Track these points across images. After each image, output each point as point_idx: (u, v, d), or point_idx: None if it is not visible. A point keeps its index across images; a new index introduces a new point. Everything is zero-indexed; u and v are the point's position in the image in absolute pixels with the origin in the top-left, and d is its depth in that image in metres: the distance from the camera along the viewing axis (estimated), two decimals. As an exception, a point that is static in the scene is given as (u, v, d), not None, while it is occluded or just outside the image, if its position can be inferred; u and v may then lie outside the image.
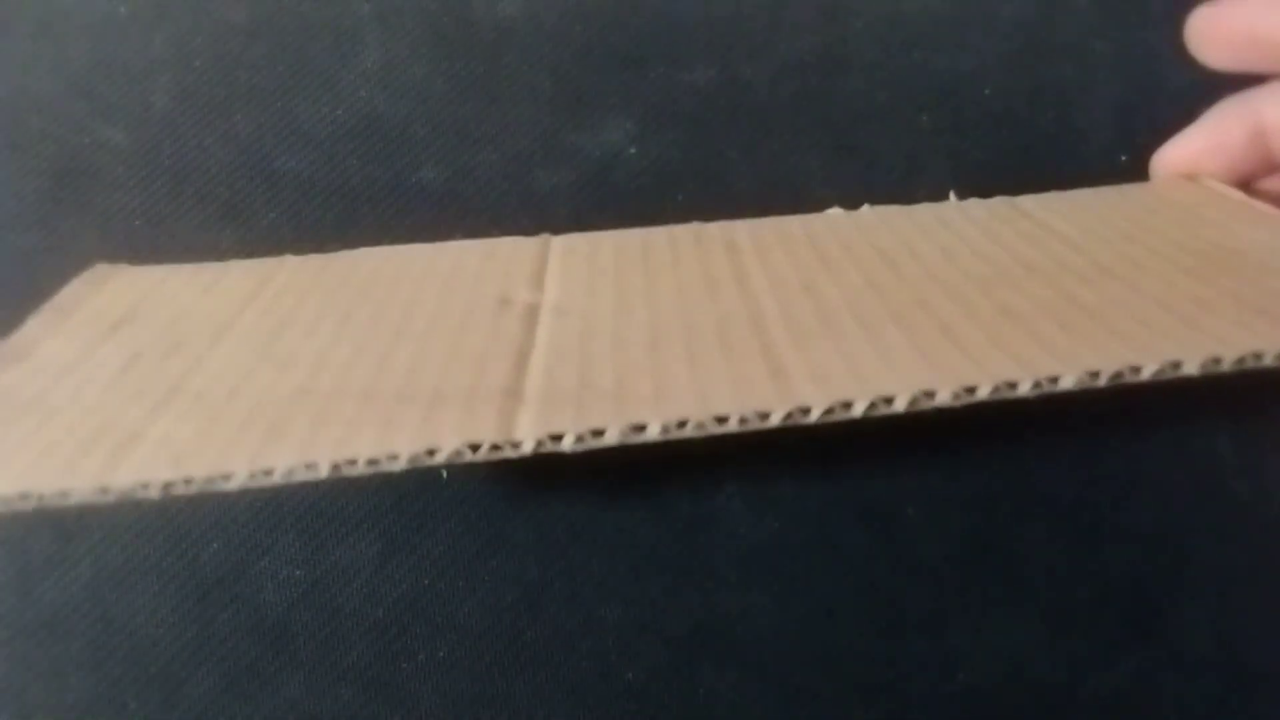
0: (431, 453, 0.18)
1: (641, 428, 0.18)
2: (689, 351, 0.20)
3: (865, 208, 0.28)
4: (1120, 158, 0.30)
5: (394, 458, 0.18)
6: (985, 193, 0.29)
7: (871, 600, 0.28)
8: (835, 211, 0.28)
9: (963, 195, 0.29)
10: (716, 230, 0.26)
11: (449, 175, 0.29)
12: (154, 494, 0.18)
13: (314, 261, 0.27)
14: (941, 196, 0.29)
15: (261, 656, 0.27)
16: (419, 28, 0.30)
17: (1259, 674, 0.28)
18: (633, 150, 0.30)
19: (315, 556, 0.27)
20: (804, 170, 0.30)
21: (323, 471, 0.18)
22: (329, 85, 0.30)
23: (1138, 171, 0.28)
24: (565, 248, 0.26)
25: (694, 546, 0.28)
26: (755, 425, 0.18)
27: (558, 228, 0.29)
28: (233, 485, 0.18)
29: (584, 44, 0.30)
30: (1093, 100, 0.30)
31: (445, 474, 0.28)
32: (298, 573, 0.27)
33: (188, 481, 0.18)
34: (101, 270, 0.26)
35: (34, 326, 0.23)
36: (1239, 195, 0.25)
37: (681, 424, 0.18)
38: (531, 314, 0.22)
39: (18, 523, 0.27)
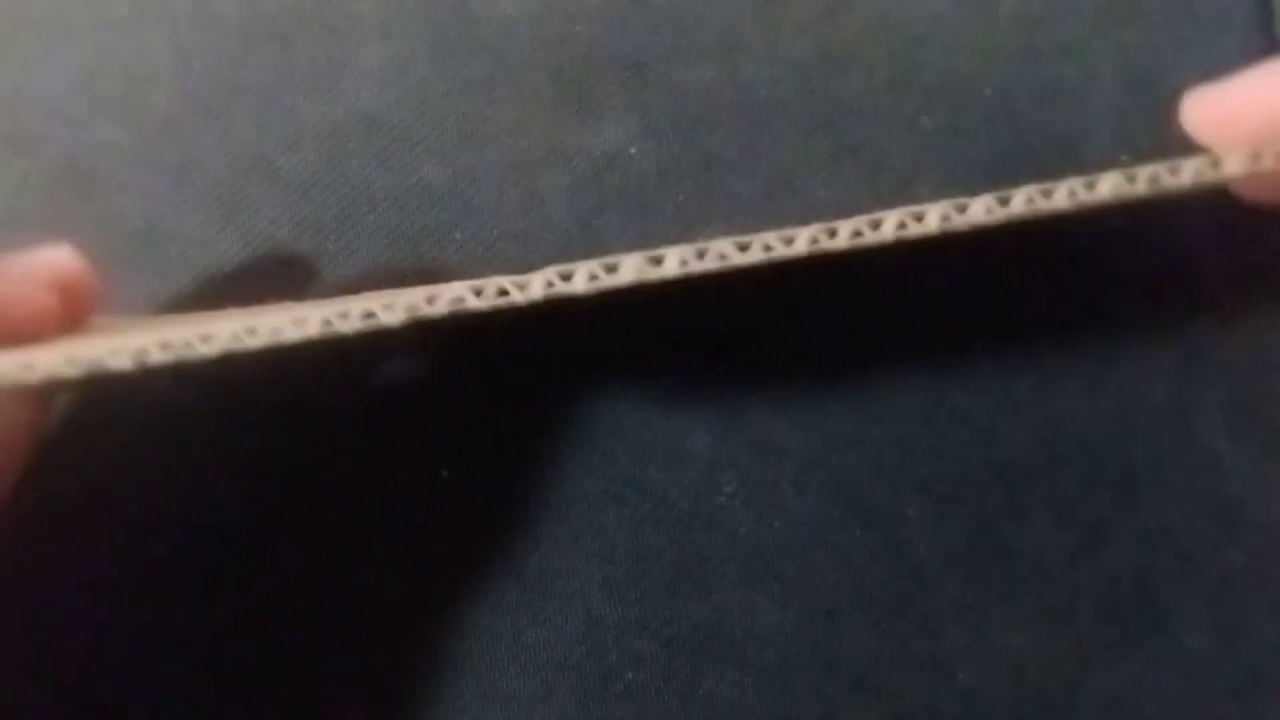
0: (431, 300, 0.17)
1: (659, 260, 0.17)
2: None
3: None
4: (1120, 158, 0.30)
5: (390, 308, 0.16)
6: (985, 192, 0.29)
7: (871, 600, 0.28)
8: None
9: (963, 195, 0.29)
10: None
11: (450, 175, 0.29)
12: (126, 363, 0.16)
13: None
14: (942, 196, 0.29)
15: (261, 656, 0.27)
16: (419, 28, 0.30)
17: (1259, 674, 0.28)
18: (633, 150, 0.30)
19: (315, 555, 0.27)
20: (804, 170, 0.30)
21: (312, 328, 0.16)
22: (329, 85, 0.30)
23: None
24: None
25: (694, 546, 0.28)
26: (781, 253, 0.17)
27: (558, 228, 0.29)
28: (213, 348, 0.16)
29: (584, 44, 0.30)
30: (1093, 100, 0.30)
31: (445, 473, 0.28)
32: (298, 572, 0.27)
33: (164, 347, 0.16)
34: None
35: None
36: None
37: (701, 253, 0.17)
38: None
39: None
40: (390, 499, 0.28)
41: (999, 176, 0.30)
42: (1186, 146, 0.30)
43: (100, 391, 0.27)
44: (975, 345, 0.29)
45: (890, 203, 0.29)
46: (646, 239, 0.29)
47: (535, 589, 0.27)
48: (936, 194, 0.29)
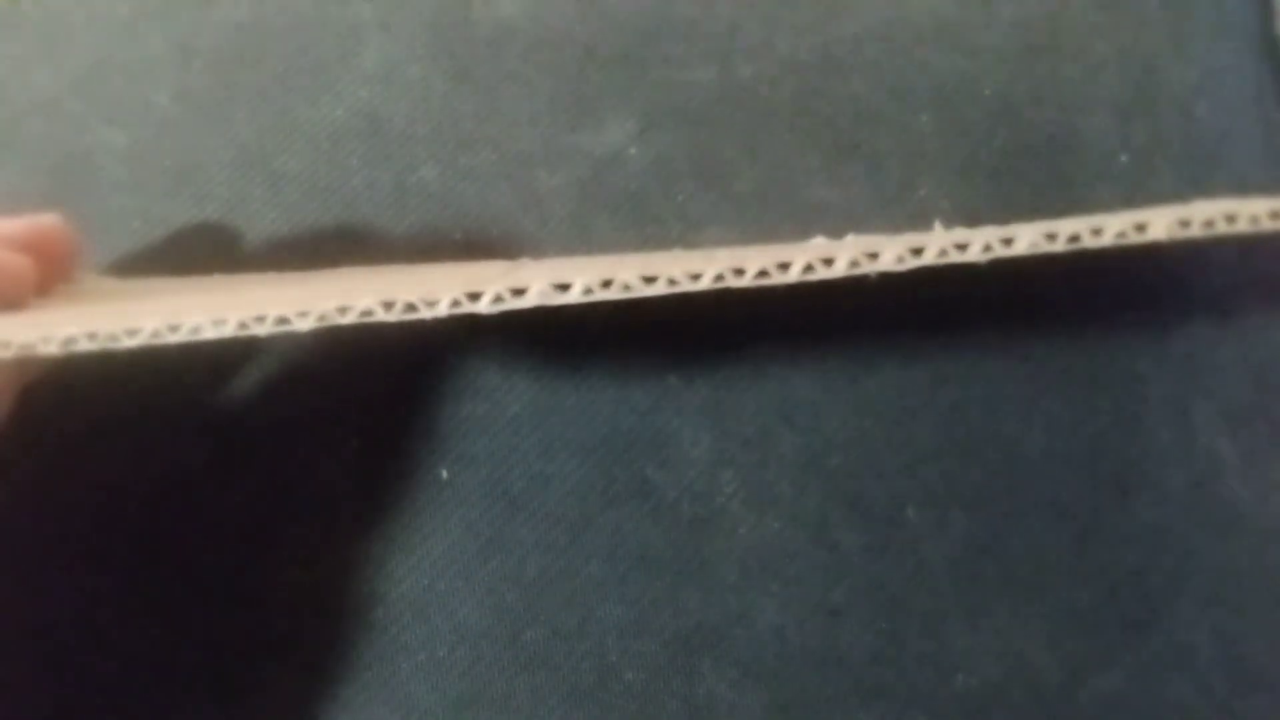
0: (343, 310, 0.17)
1: (565, 286, 0.17)
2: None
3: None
4: (1120, 158, 0.30)
5: (304, 315, 0.17)
6: (985, 192, 0.29)
7: (871, 600, 0.28)
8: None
9: (963, 195, 0.29)
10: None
11: (449, 175, 0.29)
12: (54, 349, 0.17)
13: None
14: (942, 196, 0.29)
15: (262, 656, 0.27)
16: (419, 28, 0.30)
17: (1259, 674, 0.28)
18: (633, 150, 0.30)
19: (315, 556, 0.27)
20: (804, 170, 0.30)
21: (229, 329, 0.17)
22: (329, 85, 0.30)
23: (1138, 171, 0.28)
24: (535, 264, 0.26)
25: (694, 546, 0.28)
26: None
27: (558, 228, 0.29)
28: (137, 341, 0.17)
29: (584, 44, 0.30)
30: (1093, 100, 0.30)
31: (445, 474, 0.28)
32: (298, 573, 0.27)
33: (91, 336, 0.17)
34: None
35: None
36: None
37: (606, 283, 0.17)
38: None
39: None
40: (388, 498, 0.28)
41: (999, 176, 0.30)
42: (1186, 149, 0.30)
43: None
44: (976, 346, 0.29)
45: (888, 202, 0.29)
46: (645, 239, 0.29)
47: (535, 589, 0.27)
48: (935, 193, 0.29)
